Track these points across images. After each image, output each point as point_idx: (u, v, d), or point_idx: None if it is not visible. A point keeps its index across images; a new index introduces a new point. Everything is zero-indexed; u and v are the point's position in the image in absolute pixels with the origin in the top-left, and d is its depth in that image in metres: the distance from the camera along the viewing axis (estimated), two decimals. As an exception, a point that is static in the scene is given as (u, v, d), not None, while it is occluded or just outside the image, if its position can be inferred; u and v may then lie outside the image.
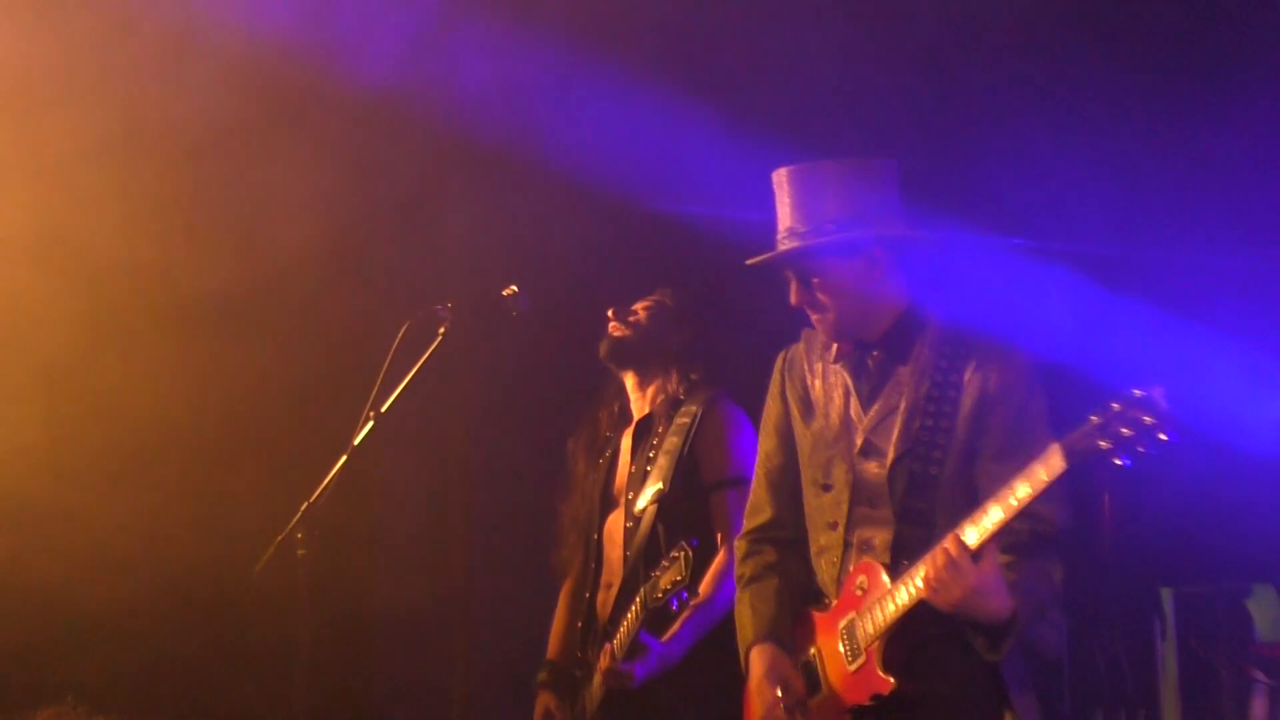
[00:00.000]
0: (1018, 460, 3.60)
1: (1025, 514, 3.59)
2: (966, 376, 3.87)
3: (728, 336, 5.02)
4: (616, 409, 5.08)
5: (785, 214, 3.94)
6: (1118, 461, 3.40)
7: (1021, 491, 3.52)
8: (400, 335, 4.59)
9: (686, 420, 4.83)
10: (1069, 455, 3.45)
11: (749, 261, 3.95)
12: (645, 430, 4.94)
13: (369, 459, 4.78)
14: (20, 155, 5.44)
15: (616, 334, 4.93)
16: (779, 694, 3.89)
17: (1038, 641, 3.90)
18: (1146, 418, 3.35)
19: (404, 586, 5.93)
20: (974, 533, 3.55)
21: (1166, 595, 6.96)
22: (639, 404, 4.99)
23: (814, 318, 3.95)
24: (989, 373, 3.86)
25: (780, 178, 3.96)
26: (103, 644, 5.34)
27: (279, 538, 4.59)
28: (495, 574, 5.87)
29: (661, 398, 4.93)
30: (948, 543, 3.56)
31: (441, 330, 4.65)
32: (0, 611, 5.42)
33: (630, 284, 5.10)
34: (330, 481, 4.55)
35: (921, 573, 3.64)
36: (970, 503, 3.67)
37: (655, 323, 4.94)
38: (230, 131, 5.62)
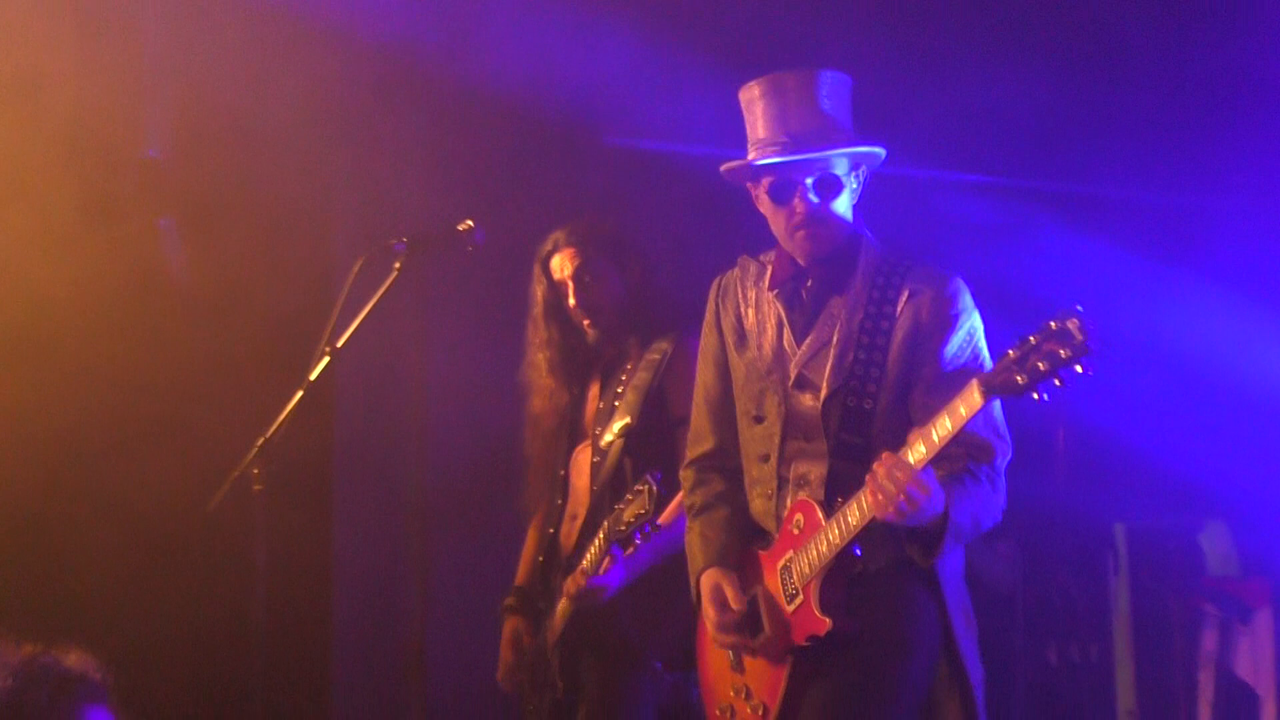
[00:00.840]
0: (951, 392, 3.55)
1: (963, 443, 3.60)
2: (900, 307, 3.84)
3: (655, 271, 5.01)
4: (582, 345, 5.05)
5: (772, 124, 3.88)
6: (1035, 396, 3.34)
7: (943, 428, 3.49)
8: (355, 271, 4.57)
9: (657, 356, 4.86)
10: (985, 391, 3.41)
11: (762, 162, 3.87)
12: (613, 368, 4.96)
13: (326, 394, 4.76)
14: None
15: (594, 330, 4.94)
16: (716, 613, 3.90)
17: (985, 573, 3.95)
18: (1063, 351, 3.27)
19: (361, 520, 5.99)
20: (920, 451, 3.53)
21: (1119, 531, 7.05)
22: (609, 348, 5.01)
23: (804, 233, 3.88)
24: (921, 302, 3.82)
25: (755, 90, 3.91)
26: (55, 582, 5.36)
27: (234, 474, 4.59)
28: (454, 507, 5.89)
29: (633, 338, 4.93)
30: (884, 456, 3.53)
31: (397, 265, 4.63)
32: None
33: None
34: (286, 417, 4.54)
35: (854, 510, 3.63)
36: (905, 435, 3.63)
37: (610, 287, 4.93)
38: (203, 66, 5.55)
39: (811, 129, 3.84)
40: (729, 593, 3.90)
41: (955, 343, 3.79)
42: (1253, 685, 6.56)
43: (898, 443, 3.59)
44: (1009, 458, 3.79)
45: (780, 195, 3.87)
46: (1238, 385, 6.40)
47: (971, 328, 3.83)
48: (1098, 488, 6.94)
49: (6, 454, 5.41)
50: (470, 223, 4.66)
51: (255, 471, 4.54)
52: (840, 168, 3.85)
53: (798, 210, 3.85)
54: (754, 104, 3.91)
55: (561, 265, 4.95)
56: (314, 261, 5.71)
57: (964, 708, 3.80)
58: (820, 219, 3.85)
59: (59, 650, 2.54)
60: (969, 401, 3.44)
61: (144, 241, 5.52)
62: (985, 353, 3.81)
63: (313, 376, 4.57)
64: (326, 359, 4.57)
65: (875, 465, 3.54)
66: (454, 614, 5.59)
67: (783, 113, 3.87)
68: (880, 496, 3.51)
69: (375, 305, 4.60)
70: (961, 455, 3.67)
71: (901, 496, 3.48)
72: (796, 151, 3.81)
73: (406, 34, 5.58)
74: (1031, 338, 3.31)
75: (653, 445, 4.78)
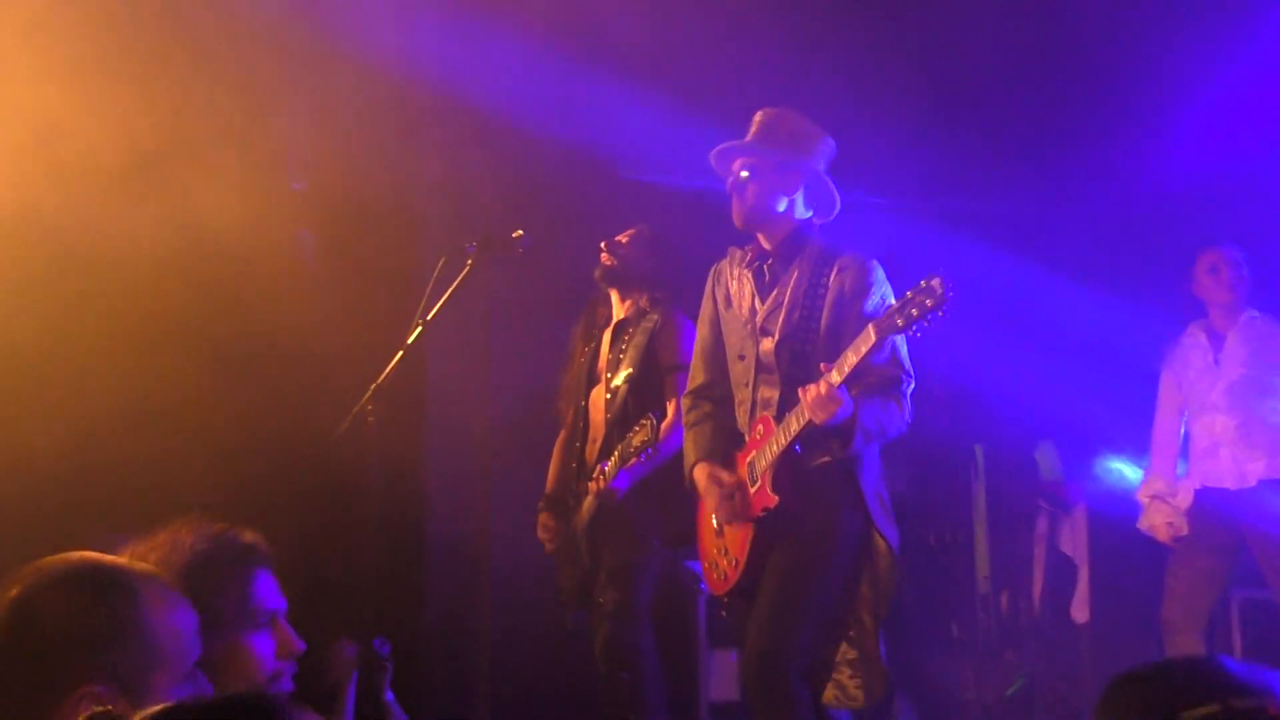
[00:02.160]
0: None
1: (876, 374, 3.74)
2: (831, 279, 3.91)
3: (679, 267, 5.04)
4: (603, 313, 5.13)
5: (752, 132, 4.03)
6: (911, 332, 3.49)
7: (850, 359, 3.61)
8: (439, 266, 4.55)
9: (650, 325, 4.90)
10: (877, 331, 3.55)
11: (720, 148, 4.03)
12: (621, 330, 5.01)
13: (419, 354, 4.74)
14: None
15: (607, 263, 4.98)
16: (718, 490, 3.98)
17: (883, 491, 3.94)
18: (928, 301, 3.41)
19: (447, 442, 5.92)
20: (836, 376, 3.66)
21: (979, 450, 7.06)
22: (618, 310, 5.06)
23: (734, 198, 4.01)
24: (846, 277, 3.90)
25: (757, 115, 4.04)
26: (223, 491, 5.16)
27: (355, 410, 4.60)
28: (512, 436, 5.86)
29: (634, 308, 4.98)
30: (821, 382, 3.65)
31: (469, 261, 4.60)
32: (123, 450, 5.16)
33: (606, 231, 5.08)
34: (392, 369, 4.56)
35: (794, 419, 3.73)
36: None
37: (635, 251, 4.96)
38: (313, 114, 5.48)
39: (764, 138, 4.00)
40: (722, 474, 3.98)
41: (869, 304, 3.87)
42: (1072, 557, 6.65)
43: None
44: (912, 385, 3.88)
45: (722, 165, 4.06)
46: (1061, 343, 6.40)
47: (882, 294, 3.90)
48: (963, 418, 6.97)
49: (194, 392, 5.31)
50: (520, 232, 4.59)
51: (370, 408, 4.52)
52: (770, 165, 3.97)
53: (736, 176, 4.01)
54: (752, 123, 4.07)
55: (623, 235, 5.01)
56: (410, 260, 5.68)
57: (889, 574, 3.84)
58: (743, 193, 3.99)
59: (239, 528, 2.52)
60: (867, 339, 3.57)
61: (291, 248, 5.48)
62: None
63: (410, 340, 4.57)
64: (420, 328, 4.56)
65: (807, 385, 3.68)
66: (511, 511, 5.57)
67: (759, 128, 4.03)
68: (814, 403, 3.64)
69: (454, 290, 4.56)
70: (875, 384, 3.78)
71: (821, 406, 3.62)
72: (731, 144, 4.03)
73: (479, 91, 5.48)
74: (909, 292, 3.48)
75: (649, 388, 4.83)
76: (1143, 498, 5.41)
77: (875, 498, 3.88)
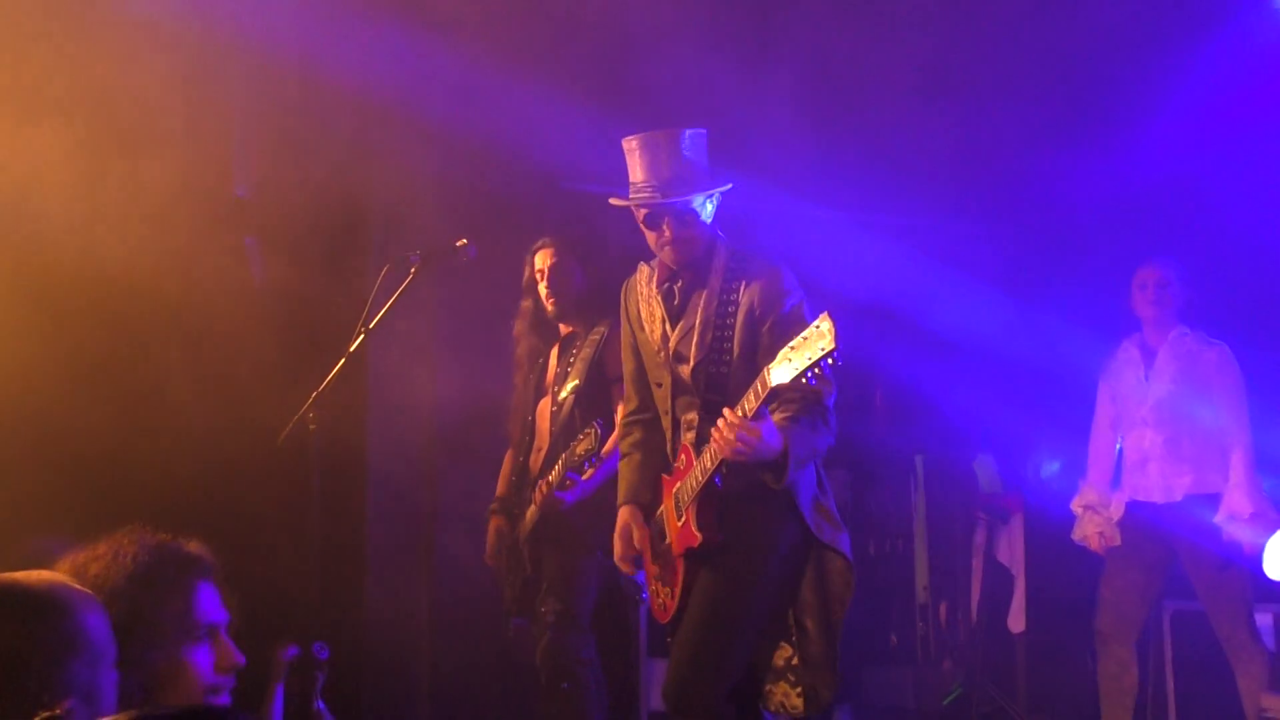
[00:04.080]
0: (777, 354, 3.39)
1: (798, 391, 3.44)
2: (740, 294, 3.72)
3: (604, 271, 5.02)
4: (549, 330, 5.14)
5: (645, 171, 3.74)
6: (804, 381, 3.27)
7: (750, 403, 3.44)
8: (382, 275, 4.54)
9: (597, 337, 4.93)
10: (772, 377, 3.34)
11: (638, 206, 3.79)
12: (568, 344, 5.05)
13: (361, 361, 4.71)
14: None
15: (553, 309, 5.00)
16: (621, 547, 3.97)
17: (826, 505, 3.86)
18: (821, 345, 3.21)
19: (389, 450, 5.97)
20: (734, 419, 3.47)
21: (919, 461, 7.14)
22: (564, 327, 5.10)
23: (671, 251, 3.80)
24: (754, 289, 3.70)
25: (634, 143, 3.76)
26: (166, 497, 5.14)
27: (296, 417, 4.58)
28: (456, 438, 5.92)
29: (579, 323, 5.03)
30: (725, 412, 3.49)
31: (412, 270, 4.58)
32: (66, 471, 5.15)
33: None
34: (333, 377, 4.54)
35: (708, 455, 3.59)
36: None
37: (565, 278, 4.97)
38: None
39: (673, 176, 3.70)
40: (635, 532, 3.92)
41: (781, 316, 3.67)
42: (1009, 567, 6.71)
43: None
44: (834, 396, 3.67)
45: (651, 224, 3.79)
46: (998, 360, 6.44)
47: (793, 302, 3.70)
48: (904, 430, 7.03)
49: (135, 398, 5.29)
50: (465, 241, 4.57)
51: (311, 415, 4.49)
52: (695, 201, 3.72)
53: (664, 235, 3.77)
54: (632, 154, 3.78)
55: (542, 260, 5.00)
56: (352, 269, 5.68)
57: (840, 577, 3.70)
58: (680, 240, 3.76)
59: (184, 539, 2.43)
60: (764, 385, 3.37)
61: (235, 254, 5.46)
62: (807, 317, 3.59)
63: (352, 349, 4.52)
64: (362, 336, 4.52)
65: (719, 421, 3.50)
66: (452, 519, 5.62)
67: (653, 162, 3.72)
68: (721, 443, 3.49)
69: (397, 298, 4.53)
70: (797, 399, 3.59)
71: (737, 442, 3.44)
72: (661, 196, 3.71)
73: (422, 105, 5.50)
74: (799, 338, 3.26)
75: (594, 399, 4.85)
76: (1076, 508, 5.47)
77: (814, 508, 3.73)
